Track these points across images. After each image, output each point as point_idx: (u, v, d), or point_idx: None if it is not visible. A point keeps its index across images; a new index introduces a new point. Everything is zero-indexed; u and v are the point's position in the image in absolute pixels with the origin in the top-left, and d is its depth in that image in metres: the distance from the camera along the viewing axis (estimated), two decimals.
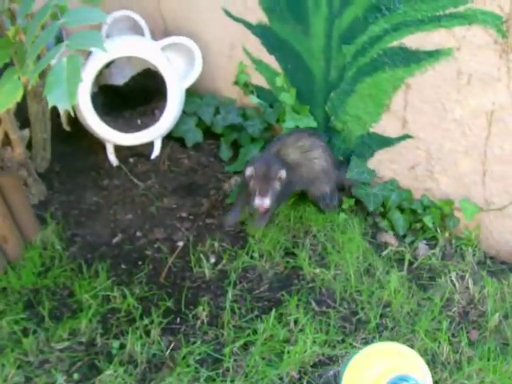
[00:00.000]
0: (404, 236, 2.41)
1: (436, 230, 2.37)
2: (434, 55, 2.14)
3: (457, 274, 2.22)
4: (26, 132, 2.38)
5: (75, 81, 1.46)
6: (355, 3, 2.23)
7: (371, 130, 2.45)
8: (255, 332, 1.97)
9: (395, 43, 2.21)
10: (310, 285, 2.18)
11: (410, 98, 2.28)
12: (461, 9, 2.00)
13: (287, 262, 2.26)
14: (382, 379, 0.84)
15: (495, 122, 2.14)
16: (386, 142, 2.43)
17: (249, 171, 2.18)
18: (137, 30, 2.70)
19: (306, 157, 2.37)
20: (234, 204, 2.38)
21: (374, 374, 0.84)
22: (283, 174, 2.18)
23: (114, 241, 2.32)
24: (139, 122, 2.71)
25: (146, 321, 2.00)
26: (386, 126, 2.40)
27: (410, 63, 2.21)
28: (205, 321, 2.02)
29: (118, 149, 2.67)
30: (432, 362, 1.92)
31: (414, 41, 2.17)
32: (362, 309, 2.09)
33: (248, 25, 2.63)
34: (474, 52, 2.06)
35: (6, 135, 2.25)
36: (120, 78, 2.91)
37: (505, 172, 2.20)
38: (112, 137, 2.58)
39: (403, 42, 2.19)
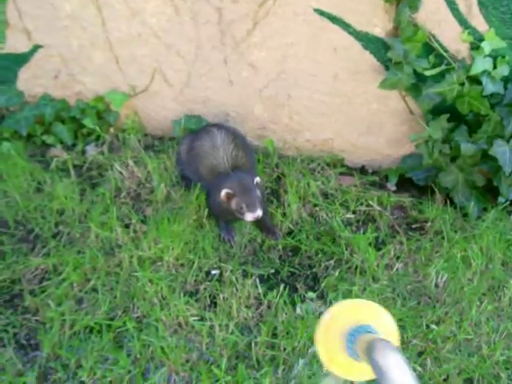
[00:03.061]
0: (74, 145, 2.41)
1: (101, 129, 2.40)
2: None
3: (122, 163, 2.28)
4: None
5: None
6: None
7: (3, 51, 2.35)
8: None
9: None
10: None
11: (21, 4, 2.22)
12: None
13: None
14: (344, 331, 0.96)
15: (104, 7, 2.17)
16: (21, 58, 2.36)
17: (225, 192, 1.92)
18: None
19: None
20: (221, 227, 2.11)
21: (339, 329, 0.97)
22: (258, 179, 1.99)
23: None
24: None
25: None
26: (15, 43, 2.33)
27: None
28: None
29: None
30: (109, 247, 1.99)
31: None
32: (37, 225, 2.08)
33: None
34: None
35: None
36: None
37: (132, 52, 2.27)
38: None
39: None
